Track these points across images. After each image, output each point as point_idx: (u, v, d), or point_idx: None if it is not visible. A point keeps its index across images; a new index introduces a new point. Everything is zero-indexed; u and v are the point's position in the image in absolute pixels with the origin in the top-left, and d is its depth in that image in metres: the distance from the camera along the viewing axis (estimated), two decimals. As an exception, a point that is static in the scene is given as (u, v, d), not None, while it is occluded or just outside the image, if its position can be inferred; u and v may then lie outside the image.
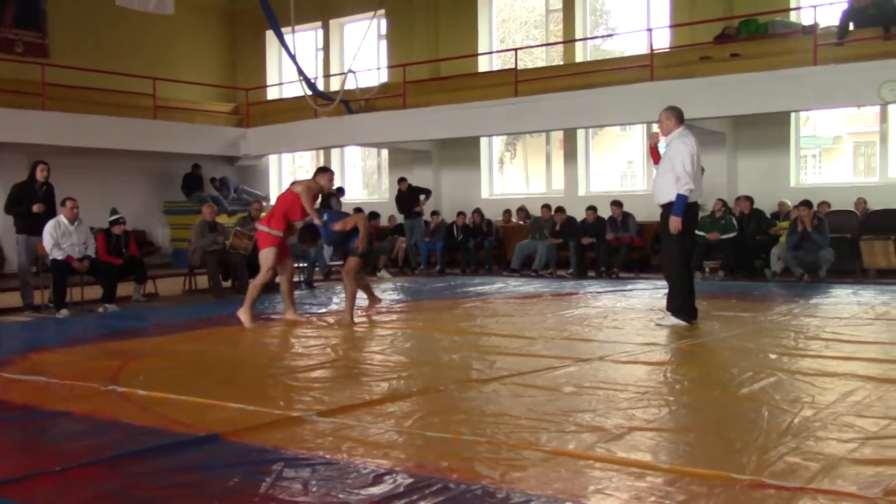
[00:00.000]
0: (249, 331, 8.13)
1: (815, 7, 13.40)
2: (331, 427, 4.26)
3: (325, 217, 8.54)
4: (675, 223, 7.45)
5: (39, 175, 10.20)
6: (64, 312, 9.71)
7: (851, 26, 13.02)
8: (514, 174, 19.94)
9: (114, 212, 10.96)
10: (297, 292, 12.04)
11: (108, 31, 18.07)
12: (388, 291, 12.07)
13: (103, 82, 16.56)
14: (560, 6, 17.53)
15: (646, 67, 14.09)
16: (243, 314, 8.40)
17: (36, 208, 9.98)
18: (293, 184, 8.92)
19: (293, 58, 17.01)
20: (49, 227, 9.85)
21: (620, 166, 20.89)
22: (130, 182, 17.77)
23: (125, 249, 10.80)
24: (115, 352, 6.93)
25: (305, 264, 13.24)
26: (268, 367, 6.12)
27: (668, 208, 7.55)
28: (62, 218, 9.97)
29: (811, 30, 13.14)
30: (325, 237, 8.56)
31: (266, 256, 8.53)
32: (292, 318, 8.68)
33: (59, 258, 9.81)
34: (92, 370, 6.01)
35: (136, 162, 17.77)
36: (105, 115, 16.03)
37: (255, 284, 8.64)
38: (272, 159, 20.90)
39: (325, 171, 9.01)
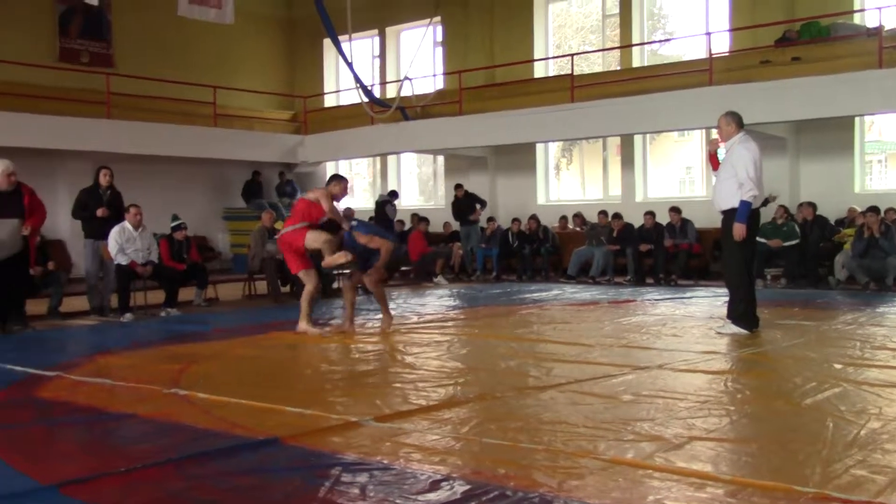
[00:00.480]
0: (309, 336, 8.20)
1: (880, 9, 13.09)
2: (388, 432, 4.28)
3: (355, 223, 8.38)
4: (738, 230, 7.34)
5: (102, 180, 10.42)
6: (128, 316, 9.94)
7: (919, 28, 12.69)
8: (570, 180, 19.81)
9: (175, 218, 11.18)
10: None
11: (171, 41, 18.48)
12: (444, 298, 12.10)
13: (165, 91, 16.93)
14: (617, 11, 17.41)
15: (704, 72, 13.90)
16: (303, 325, 8.29)
17: (100, 212, 10.21)
18: (307, 192, 8.71)
19: (350, 65, 17.17)
20: (114, 233, 10.09)
21: (678, 172, 20.62)
22: (191, 189, 18.12)
23: (187, 255, 11.02)
24: (176, 355, 7.07)
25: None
26: (326, 371, 6.18)
27: (729, 215, 7.44)
28: (127, 224, 10.19)
29: (876, 32, 12.84)
30: (347, 243, 8.18)
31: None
32: (303, 329, 8.30)
33: (124, 263, 10.04)
34: (155, 373, 6.14)
35: (196, 169, 18.12)
36: (167, 123, 16.40)
37: (304, 296, 8.40)
38: (329, 166, 21.12)
39: (338, 178, 8.80)
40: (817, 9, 14.21)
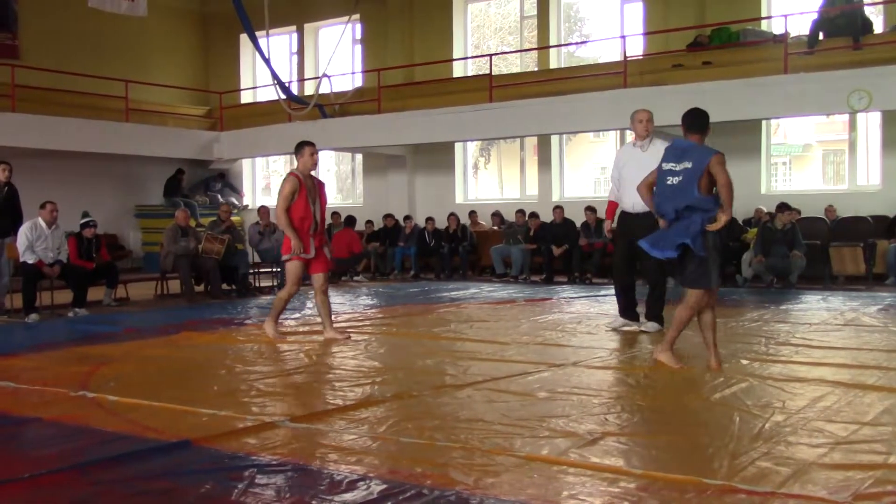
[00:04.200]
0: (219, 335, 8.06)
1: (785, 16, 13.58)
2: (304, 433, 4.24)
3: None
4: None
5: (0, 175, 9.99)
6: (33, 317, 9.60)
7: (821, 36, 13.20)
8: (488, 180, 19.97)
9: (85, 214, 10.86)
10: (270, 297, 12.05)
11: (81, 33, 17.90)
12: (361, 297, 12.06)
13: (75, 84, 16.40)
14: (535, 13, 17.61)
15: (619, 74, 14.18)
16: (268, 326, 7.70)
17: None
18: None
19: (267, 61, 16.96)
20: (25, 229, 9.73)
21: (594, 172, 21.01)
22: (102, 185, 17.60)
23: (96, 253, 10.70)
24: (85, 357, 6.86)
25: (279, 269, 13.19)
26: (241, 372, 6.08)
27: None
28: (40, 220, 9.85)
29: (782, 39, 13.32)
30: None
31: (287, 270, 7.54)
32: (331, 336, 7.58)
33: (31, 262, 9.69)
34: (62, 375, 5.94)
35: (107, 165, 17.60)
36: (76, 118, 15.88)
37: (279, 297, 7.73)
38: (246, 163, 20.81)
39: (302, 146, 7.55)
40: (727, 15, 14.63)
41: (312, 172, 7.64)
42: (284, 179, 7.51)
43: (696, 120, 5.93)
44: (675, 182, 5.66)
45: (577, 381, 5.45)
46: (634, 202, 7.52)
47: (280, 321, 7.96)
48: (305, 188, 7.37)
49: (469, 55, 18.69)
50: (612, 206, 7.91)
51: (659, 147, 7.57)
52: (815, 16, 13.25)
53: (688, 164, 5.63)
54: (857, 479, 3.36)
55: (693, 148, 5.76)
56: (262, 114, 18.80)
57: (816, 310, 9.42)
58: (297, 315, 9.72)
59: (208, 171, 19.30)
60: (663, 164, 5.81)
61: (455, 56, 18.28)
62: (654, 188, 5.91)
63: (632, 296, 7.88)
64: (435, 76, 17.44)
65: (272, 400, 5.04)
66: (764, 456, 3.71)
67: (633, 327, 7.78)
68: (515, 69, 18.49)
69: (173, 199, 17.64)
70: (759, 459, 3.66)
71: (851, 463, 3.59)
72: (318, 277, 7.53)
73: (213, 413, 4.66)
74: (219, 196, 18.74)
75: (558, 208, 14.45)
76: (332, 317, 7.90)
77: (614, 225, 7.98)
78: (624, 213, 7.75)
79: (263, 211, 14.09)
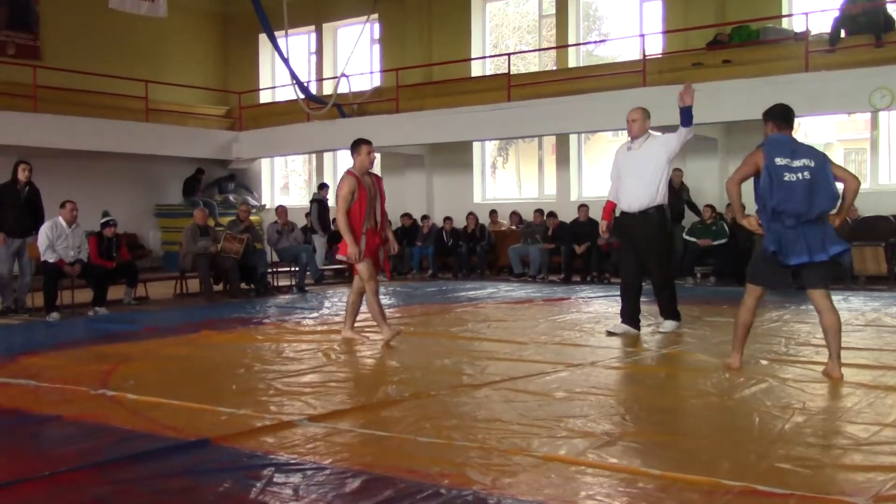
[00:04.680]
0: (238, 335, 8.09)
1: (806, 14, 13.47)
2: (322, 432, 4.25)
3: None
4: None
5: (21, 175, 10.06)
6: (54, 316, 9.68)
7: (843, 34, 13.09)
8: (506, 179, 19.93)
9: (105, 214, 10.93)
10: (288, 296, 12.10)
11: (101, 34, 18.01)
12: (380, 296, 12.05)
13: (95, 85, 16.52)
14: (553, 11, 17.56)
15: (638, 73, 14.12)
16: (345, 331, 7.52)
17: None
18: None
19: (286, 61, 17.00)
20: (45, 228, 9.81)
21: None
22: (122, 185, 17.71)
23: (116, 252, 10.78)
24: (105, 355, 6.91)
25: (297, 268, 13.23)
26: (259, 371, 6.11)
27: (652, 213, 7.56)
28: (60, 220, 9.94)
29: (803, 37, 13.21)
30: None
31: (359, 270, 7.25)
32: (348, 336, 7.47)
33: (52, 261, 9.78)
34: (82, 374, 5.99)
35: (127, 165, 17.72)
36: (97, 118, 15.99)
37: (368, 299, 7.32)
38: (264, 163, 20.89)
39: (359, 143, 7.23)
40: (748, 13, 14.54)
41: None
42: (342, 179, 7.20)
43: (790, 114, 5.65)
44: (800, 179, 5.24)
45: (595, 382, 5.43)
46: (631, 202, 7.45)
47: (299, 321, 7.96)
48: (364, 187, 7.10)
49: (487, 54, 18.66)
50: (610, 205, 7.75)
51: (654, 144, 7.50)
52: (837, 13, 13.14)
53: (809, 162, 5.28)
54: (878, 480, 3.33)
55: (803, 145, 5.48)
56: (281, 113, 18.86)
57: (838, 310, 9.31)
58: (316, 315, 9.75)
59: (222, 171, 19.37)
60: (776, 159, 5.32)
61: (473, 55, 18.26)
62: (767, 183, 5.35)
63: (637, 302, 7.65)
64: (453, 76, 17.43)
65: (290, 399, 5.05)
66: (784, 457, 3.68)
67: (634, 333, 7.51)
68: (534, 68, 18.43)
69: (192, 199, 17.74)
70: (778, 461, 3.63)
71: (872, 465, 3.56)
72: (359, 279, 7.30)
73: (232, 412, 4.68)
74: (230, 197, 18.79)
75: (583, 207, 14.37)
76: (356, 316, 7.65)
77: (611, 225, 7.82)
78: (622, 213, 7.60)
79: (281, 210, 14.13)
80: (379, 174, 7.81)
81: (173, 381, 5.77)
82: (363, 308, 7.49)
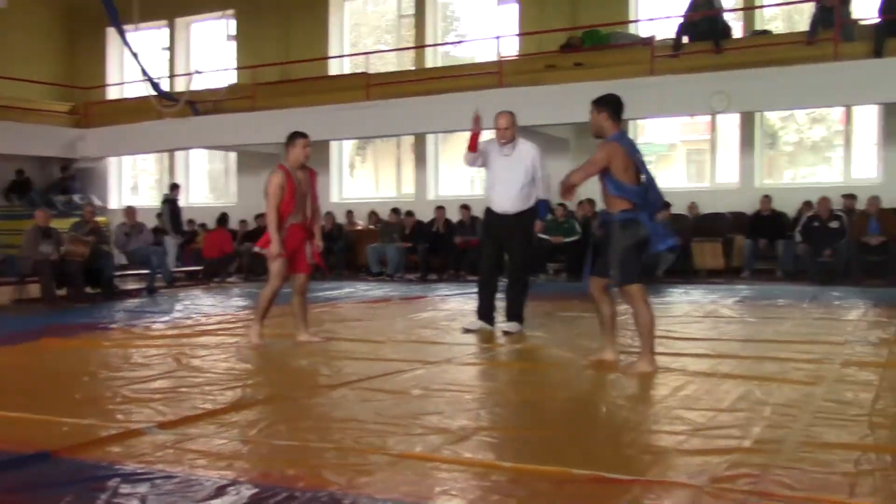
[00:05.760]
0: (82, 341, 7.73)
1: (652, 20, 14.11)
2: (172, 439, 4.11)
3: None
4: (540, 226, 7.95)
5: None
6: None
7: (686, 39, 13.77)
8: (364, 178, 19.90)
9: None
10: (137, 300, 11.67)
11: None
12: (234, 298, 11.82)
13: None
14: (412, 12, 17.67)
15: (494, 74, 14.40)
16: (252, 331, 7.16)
17: None
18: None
19: (136, 56, 16.40)
20: None
21: (469, 171, 21.19)
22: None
23: (-53, 257, 10.09)
24: (-66, 367, 6.45)
25: (148, 271, 12.79)
26: (105, 379, 5.84)
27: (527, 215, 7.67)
28: None
29: (649, 42, 13.82)
30: None
31: (270, 266, 6.98)
32: (304, 339, 7.15)
33: None
34: None
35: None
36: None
37: (262, 296, 7.10)
38: (112, 162, 20.04)
39: (294, 137, 7.09)
40: (598, 18, 15.09)
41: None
42: (271, 173, 7.01)
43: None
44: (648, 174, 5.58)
45: (451, 378, 5.50)
46: (506, 207, 7.47)
47: (148, 325, 7.69)
48: (293, 181, 6.92)
49: (346, 53, 18.57)
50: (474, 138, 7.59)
51: (528, 153, 7.60)
52: (681, 20, 13.82)
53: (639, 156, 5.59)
54: (714, 463, 3.52)
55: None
56: (131, 111, 18.14)
57: (679, 302, 9.82)
58: (166, 318, 9.43)
59: (62, 172, 18.42)
60: (640, 155, 5.74)
61: (331, 54, 18.14)
62: (642, 179, 5.65)
63: (493, 299, 7.71)
64: (311, 74, 17.25)
65: (139, 406, 4.86)
66: (628, 444, 3.85)
67: (489, 330, 7.58)
68: (392, 68, 18.49)
69: (31, 198, 16.83)
70: (623, 448, 3.79)
71: (709, 448, 3.76)
72: (298, 277, 7.07)
73: (75, 422, 4.45)
74: (74, 198, 17.92)
75: (440, 209, 14.55)
76: (265, 317, 7.21)
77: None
78: (491, 213, 7.63)
79: (130, 211, 13.59)
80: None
81: (11, 392, 5.43)
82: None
